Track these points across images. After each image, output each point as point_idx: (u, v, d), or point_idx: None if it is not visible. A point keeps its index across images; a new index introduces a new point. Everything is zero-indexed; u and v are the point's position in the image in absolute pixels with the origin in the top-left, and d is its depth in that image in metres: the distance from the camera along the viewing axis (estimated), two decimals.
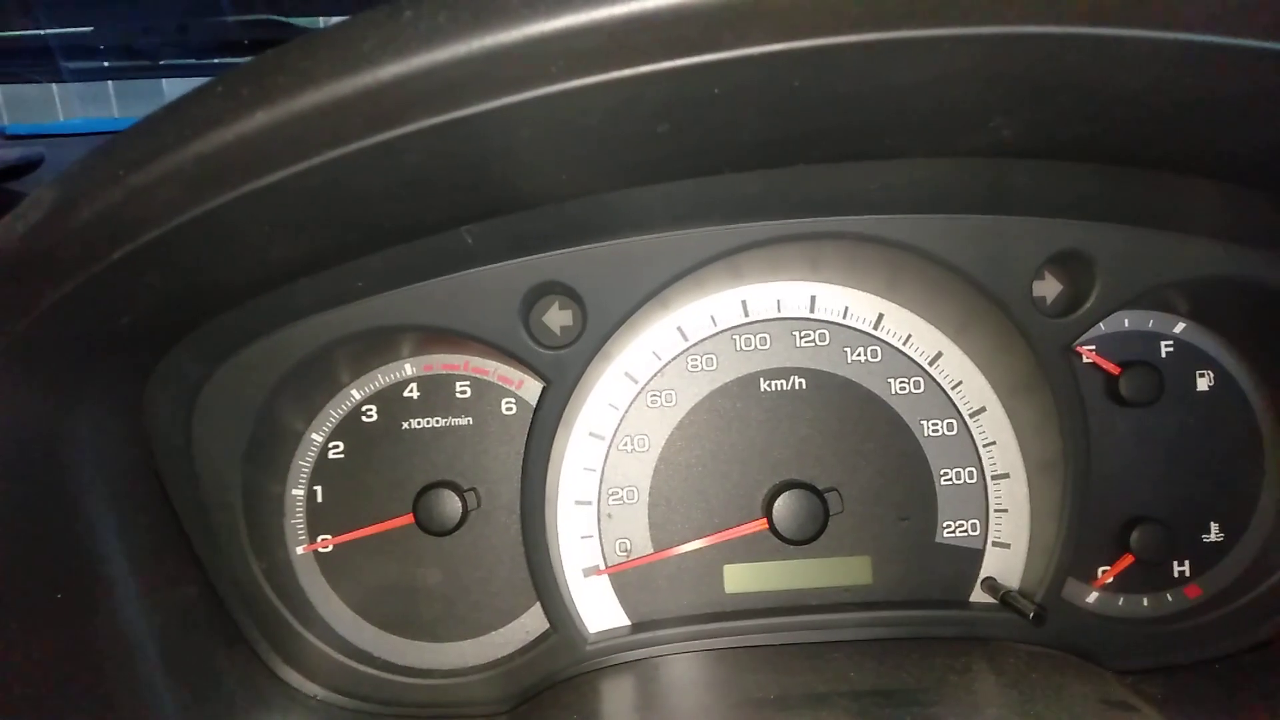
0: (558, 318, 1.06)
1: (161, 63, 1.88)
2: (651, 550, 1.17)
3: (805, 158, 0.78)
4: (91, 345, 0.78)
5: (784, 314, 1.19)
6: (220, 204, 0.63)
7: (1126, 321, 1.19)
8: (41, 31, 1.86)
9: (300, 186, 0.63)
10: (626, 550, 1.17)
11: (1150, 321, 1.20)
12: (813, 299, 1.19)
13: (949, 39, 0.57)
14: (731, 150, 0.75)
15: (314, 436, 1.15)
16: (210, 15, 1.83)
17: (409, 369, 1.16)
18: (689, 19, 0.54)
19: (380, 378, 1.16)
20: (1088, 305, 1.04)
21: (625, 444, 1.18)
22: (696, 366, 1.19)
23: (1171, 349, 1.20)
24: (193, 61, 1.89)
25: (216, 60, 1.91)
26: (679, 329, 1.18)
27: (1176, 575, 1.20)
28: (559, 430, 1.09)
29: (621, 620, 1.17)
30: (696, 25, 0.55)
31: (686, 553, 1.17)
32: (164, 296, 0.79)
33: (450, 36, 0.54)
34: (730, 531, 1.16)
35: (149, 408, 0.94)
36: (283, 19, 1.81)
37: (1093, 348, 1.17)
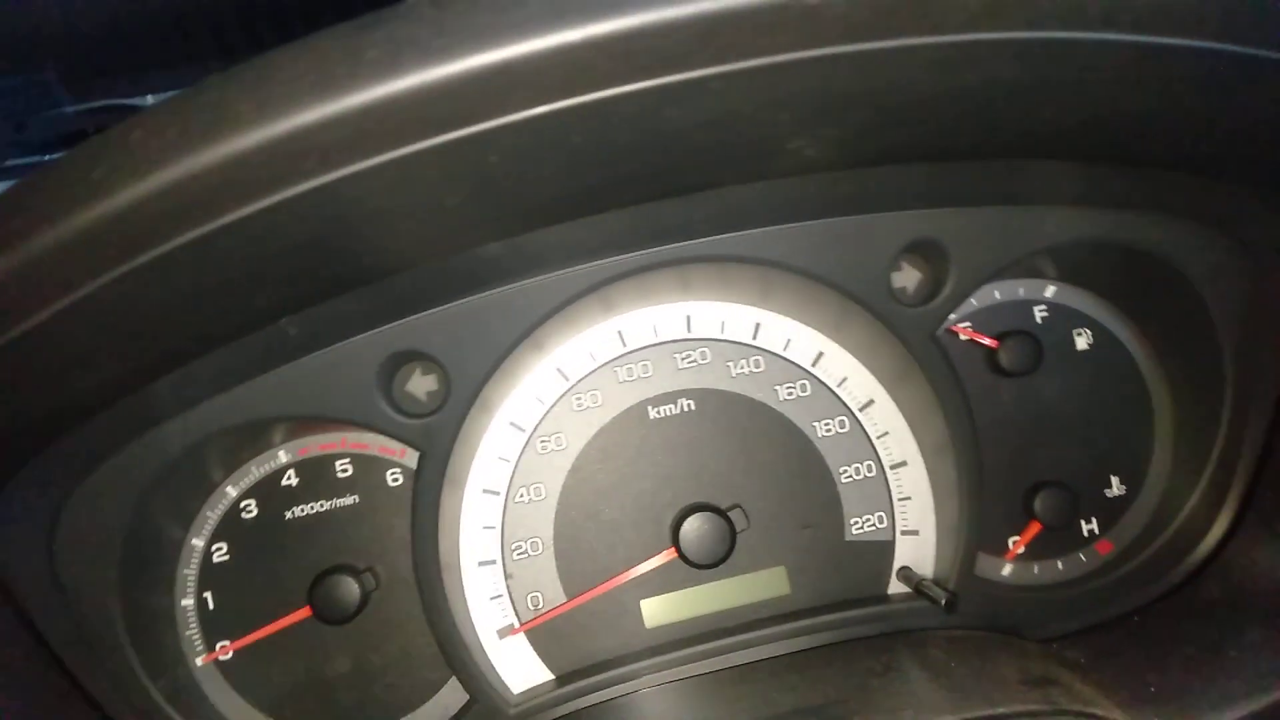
0: (421, 384, 1.03)
1: (5, 164, 1.80)
2: (565, 599, 1.14)
3: (617, 203, 0.76)
4: None
5: (661, 338, 1.18)
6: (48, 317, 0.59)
7: (997, 293, 1.20)
8: None
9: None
10: (539, 603, 1.15)
11: (1020, 290, 1.20)
12: (688, 319, 1.18)
13: (714, 77, 0.56)
14: (537, 206, 0.73)
15: (194, 542, 1.10)
16: (47, 109, 1.76)
17: (284, 456, 1.12)
18: (433, 98, 0.52)
19: (255, 469, 1.12)
20: (947, 290, 1.04)
21: (522, 495, 1.15)
22: (582, 405, 1.17)
23: (1046, 313, 1.21)
24: (37, 159, 1.81)
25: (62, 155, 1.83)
26: (558, 370, 1.16)
27: (1086, 534, 1.21)
28: (449, 491, 1.06)
29: (545, 675, 1.14)
30: (446, 102, 0.52)
31: (600, 595, 1.14)
32: (13, 410, 0.74)
33: (185, 151, 0.51)
34: (641, 566, 1.14)
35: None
36: (124, 102, 1.74)
37: (968, 324, 1.17)
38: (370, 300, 0.89)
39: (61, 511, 0.97)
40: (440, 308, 0.98)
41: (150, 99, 1.75)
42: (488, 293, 0.98)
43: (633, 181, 0.71)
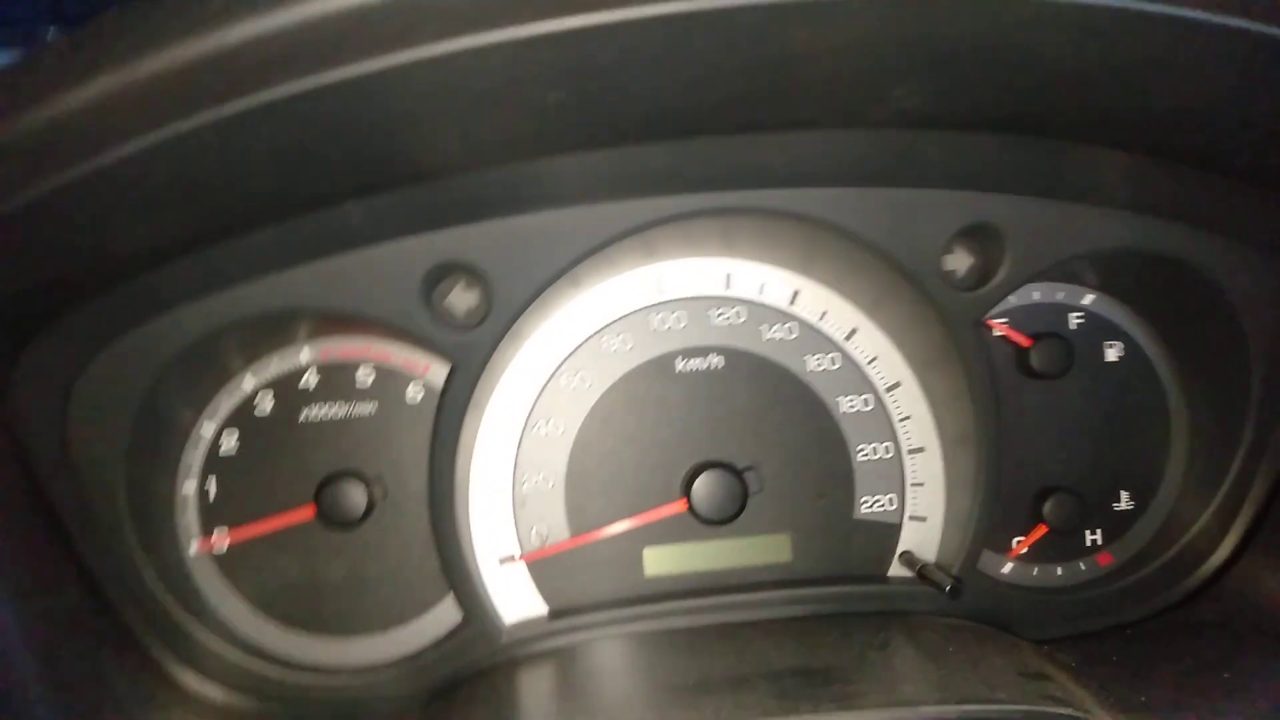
0: (462, 298, 1.01)
1: (37, 32, 1.75)
2: (569, 536, 1.14)
3: (708, 128, 0.75)
4: None
5: (699, 292, 1.17)
6: (66, 182, 0.57)
7: (1036, 294, 1.19)
8: None
9: (149, 162, 0.57)
10: (543, 537, 1.14)
11: (1060, 294, 1.20)
12: (728, 276, 1.17)
13: (852, 2, 0.54)
14: (631, 120, 0.71)
15: (204, 428, 1.09)
16: None
17: (306, 355, 1.10)
18: None
19: (276, 363, 1.10)
20: (998, 279, 1.04)
21: (539, 428, 1.14)
22: (611, 346, 1.16)
23: (1081, 320, 1.21)
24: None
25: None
26: (593, 308, 1.15)
27: (1089, 544, 1.22)
28: (469, 415, 1.05)
29: (539, 609, 1.13)
30: None
31: (604, 538, 1.14)
32: (22, 279, 0.72)
33: None
34: (649, 514, 1.13)
35: (15, 401, 0.87)
36: None
37: (1004, 320, 1.17)
38: (428, 200, 0.88)
39: (79, 376, 0.94)
40: (492, 220, 0.96)
41: None
42: (543, 212, 0.96)
43: (732, 106, 0.69)
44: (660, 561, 1.15)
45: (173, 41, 0.50)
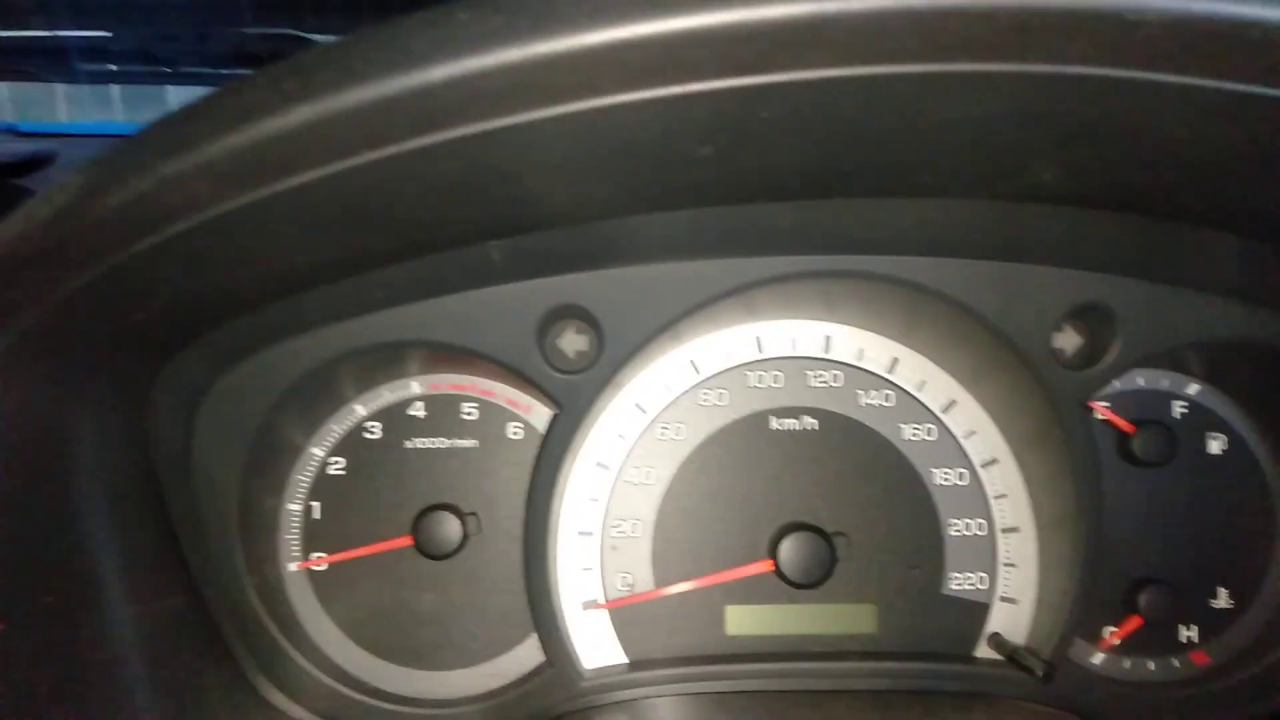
0: (574, 342, 1.04)
1: (177, 70, 1.88)
2: (653, 586, 1.14)
3: (842, 190, 0.77)
4: (102, 342, 0.76)
5: (798, 353, 1.18)
6: (251, 201, 0.61)
7: (1141, 380, 1.18)
8: (61, 33, 1.86)
9: (333, 188, 0.61)
10: (629, 585, 1.14)
11: (1164, 381, 1.19)
12: (828, 339, 1.18)
13: (1006, 75, 0.56)
14: (770, 179, 0.74)
15: (314, 451, 1.12)
16: (230, 26, 1.83)
17: (416, 387, 1.14)
18: (746, 38, 0.53)
19: (386, 394, 1.14)
20: (1107, 361, 1.03)
21: (632, 476, 1.16)
22: (708, 401, 1.17)
23: (1185, 410, 1.19)
24: (207, 70, 1.89)
25: (230, 71, 1.91)
26: (691, 361, 1.17)
27: (1184, 640, 1.18)
28: (565, 458, 1.07)
29: (619, 657, 1.14)
30: (753, 45, 0.54)
31: (688, 591, 1.14)
32: (181, 295, 0.77)
33: (504, 41, 0.53)
34: (734, 571, 1.13)
35: (152, 412, 0.91)
36: (302, 34, 1.81)
37: (1107, 404, 1.16)
38: (552, 244, 0.91)
39: (209, 390, 0.99)
40: (610, 269, 0.99)
41: (325, 38, 1.81)
42: (659, 264, 0.99)
43: (872, 169, 0.72)
44: (743, 621, 1.15)
45: (375, 76, 0.54)
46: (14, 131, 1.75)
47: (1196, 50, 0.54)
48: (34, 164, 1.40)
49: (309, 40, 1.81)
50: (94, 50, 1.90)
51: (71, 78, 1.98)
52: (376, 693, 1.09)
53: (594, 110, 0.57)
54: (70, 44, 1.87)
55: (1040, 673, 1.04)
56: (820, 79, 0.56)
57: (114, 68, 1.99)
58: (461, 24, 0.54)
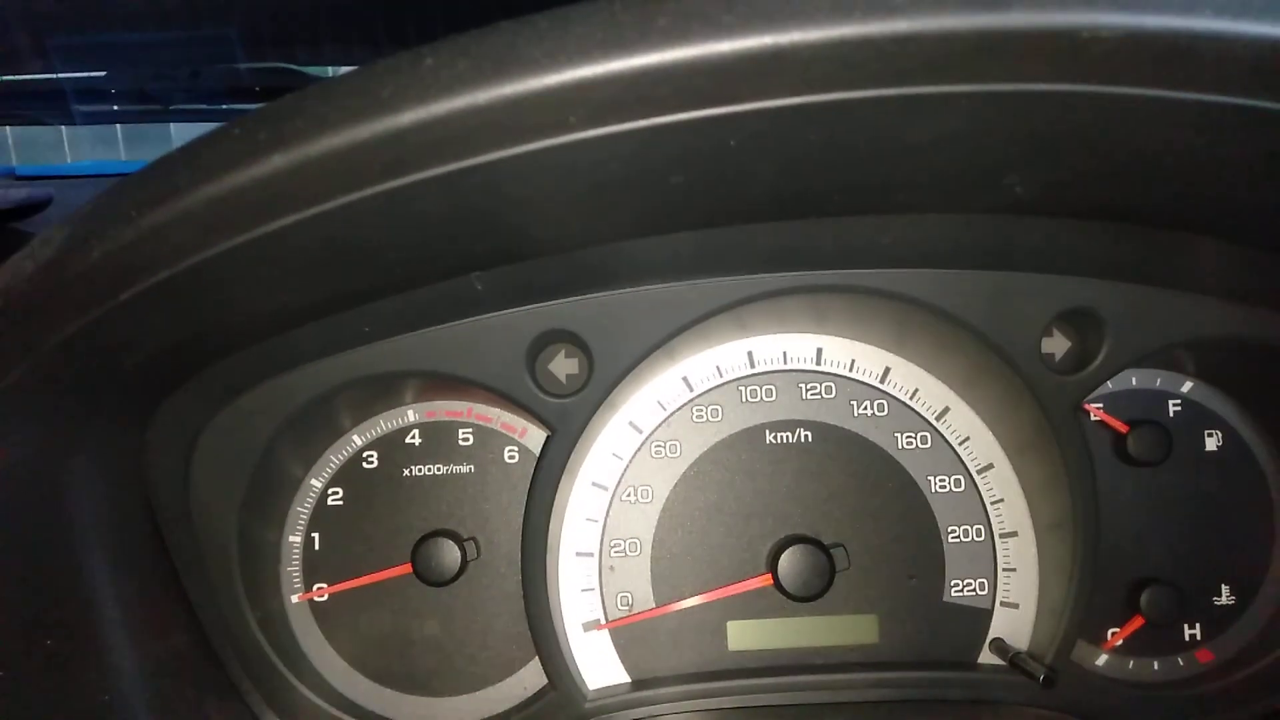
0: (564, 366, 1.05)
1: (172, 108, 1.90)
2: (654, 604, 1.15)
3: (817, 211, 0.78)
4: (95, 387, 0.77)
5: (790, 365, 1.19)
6: (232, 247, 0.62)
7: (1134, 380, 1.18)
8: (56, 75, 1.88)
9: (312, 231, 0.62)
10: (628, 604, 1.15)
11: (1158, 380, 1.19)
12: (819, 351, 1.19)
13: (968, 95, 0.57)
14: (744, 202, 0.75)
15: (313, 482, 1.14)
16: (223, 62, 1.85)
17: (412, 415, 1.15)
18: (708, 71, 0.54)
19: (382, 423, 1.15)
20: (1096, 363, 1.04)
21: (628, 495, 1.16)
22: (702, 417, 1.18)
23: (1179, 408, 1.19)
24: (203, 106, 1.91)
25: (226, 106, 1.93)
26: (684, 379, 1.18)
27: (1187, 639, 1.18)
28: (561, 479, 1.07)
29: (621, 677, 1.14)
30: (715, 78, 0.55)
31: (689, 608, 1.14)
32: (170, 339, 0.78)
33: (470, 85, 0.54)
34: (734, 587, 1.14)
35: (148, 452, 0.93)
36: (295, 68, 1.83)
37: (1100, 406, 1.16)
38: (537, 273, 0.92)
39: (205, 428, 1.00)
40: (596, 293, 1.00)
41: (330, 71, 1.83)
42: (645, 287, 1.00)
43: (844, 191, 0.72)
44: (744, 636, 1.15)
45: (345, 124, 0.55)
46: (11, 175, 1.78)
47: (1153, 63, 0.55)
48: (31, 208, 1.42)
49: (302, 73, 1.83)
50: (90, 91, 1.92)
51: (69, 119, 2.01)
52: None
53: (560, 147, 0.58)
54: (66, 85, 1.89)
55: (1041, 677, 1.04)
56: (783, 107, 0.57)
57: (111, 108, 2.01)
58: (429, 70, 0.55)
